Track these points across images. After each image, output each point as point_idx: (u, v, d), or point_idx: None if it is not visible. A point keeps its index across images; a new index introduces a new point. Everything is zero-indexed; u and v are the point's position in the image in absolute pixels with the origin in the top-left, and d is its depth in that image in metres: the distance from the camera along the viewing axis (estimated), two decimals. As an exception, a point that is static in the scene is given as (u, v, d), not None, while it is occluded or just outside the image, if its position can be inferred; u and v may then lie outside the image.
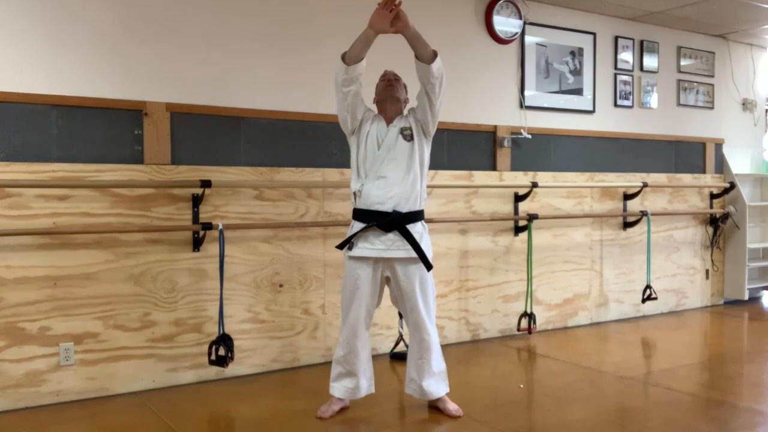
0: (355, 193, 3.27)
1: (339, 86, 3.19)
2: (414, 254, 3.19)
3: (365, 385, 3.34)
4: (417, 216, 3.25)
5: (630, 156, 5.72)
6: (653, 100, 5.89)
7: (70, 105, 3.47)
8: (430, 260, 3.25)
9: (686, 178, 6.08)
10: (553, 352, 4.55)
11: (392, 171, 3.20)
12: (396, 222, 3.17)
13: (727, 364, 4.37)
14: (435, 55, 3.18)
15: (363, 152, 3.25)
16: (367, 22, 4.58)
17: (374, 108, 3.44)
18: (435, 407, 3.34)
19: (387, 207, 3.18)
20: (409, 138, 3.25)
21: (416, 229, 3.23)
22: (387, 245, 3.19)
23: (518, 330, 4.96)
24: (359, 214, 3.24)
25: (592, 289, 5.46)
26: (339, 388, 3.31)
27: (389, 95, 3.32)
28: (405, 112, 3.39)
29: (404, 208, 3.20)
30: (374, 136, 3.26)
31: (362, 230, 3.20)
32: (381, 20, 3.11)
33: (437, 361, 3.31)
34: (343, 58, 3.15)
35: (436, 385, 3.31)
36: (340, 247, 3.28)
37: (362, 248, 3.21)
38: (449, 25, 4.75)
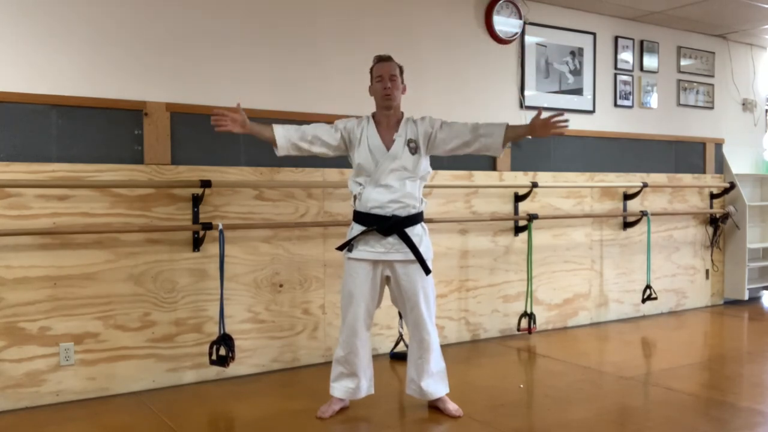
0: (355, 196, 3.28)
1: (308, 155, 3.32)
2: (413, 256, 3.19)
3: (365, 385, 3.34)
4: (416, 218, 3.24)
5: (630, 156, 5.72)
6: (653, 100, 5.89)
7: (70, 105, 3.47)
8: (431, 260, 3.27)
9: (686, 178, 6.08)
10: (553, 352, 4.55)
11: (395, 180, 3.19)
12: (396, 226, 3.17)
13: (727, 364, 4.37)
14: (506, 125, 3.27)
15: (359, 162, 3.24)
16: (366, 22, 4.60)
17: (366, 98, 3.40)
18: (435, 407, 3.34)
19: (387, 211, 3.18)
20: (414, 151, 3.24)
21: (416, 231, 3.22)
22: (387, 248, 3.19)
23: (518, 330, 4.96)
24: (359, 217, 3.24)
25: (592, 289, 5.46)
26: (339, 389, 3.30)
27: (387, 105, 3.26)
28: (406, 112, 3.36)
29: (403, 213, 3.19)
30: (366, 144, 3.22)
31: (362, 233, 3.20)
32: (232, 127, 3.17)
33: (436, 361, 3.30)
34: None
35: (435, 385, 3.30)
36: (340, 249, 3.28)
37: (362, 251, 3.21)
38: (449, 25, 4.75)
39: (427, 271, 3.21)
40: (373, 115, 3.33)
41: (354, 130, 3.26)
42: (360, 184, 3.26)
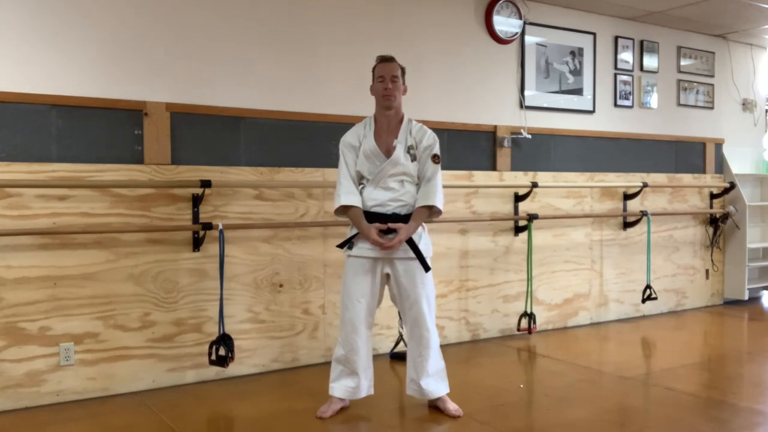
0: None
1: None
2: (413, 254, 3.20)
3: (366, 385, 3.33)
4: None
5: (630, 156, 5.72)
6: (653, 100, 5.89)
7: (70, 105, 3.47)
8: (430, 258, 3.28)
9: (686, 178, 6.08)
10: (553, 352, 4.55)
11: (395, 182, 3.23)
12: (396, 224, 3.19)
13: (727, 364, 4.37)
14: (436, 212, 3.28)
15: (358, 169, 3.26)
16: (366, 22, 4.60)
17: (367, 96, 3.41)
18: (435, 407, 3.34)
19: (387, 209, 3.21)
20: (414, 158, 3.26)
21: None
22: None
23: (518, 330, 4.96)
24: None
25: (592, 289, 5.46)
26: (339, 388, 3.30)
27: (387, 105, 3.27)
28: (407, 112, 3.36)
29: (403, 211, 3.23)
30: (362, 151, 3.24)
31: None
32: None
33: (435, 360, 3.30)
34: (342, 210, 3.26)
35: (436, 384, 3.30)
36: (341, 246, 3.29)
37: (362, 248, 3.23)
38: (449, 25, 4.75)
39: (427, 268, 3.21)
40: (374, 116, 3.34)
41: (359, 138, 3.29)
42: (360, 184, 3.28)
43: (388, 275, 3.28)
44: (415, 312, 3.25)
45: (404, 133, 3.27)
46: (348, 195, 3.22)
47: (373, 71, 3.32)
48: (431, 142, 3.29)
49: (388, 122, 3.29)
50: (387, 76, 3.24)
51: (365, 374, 3.32)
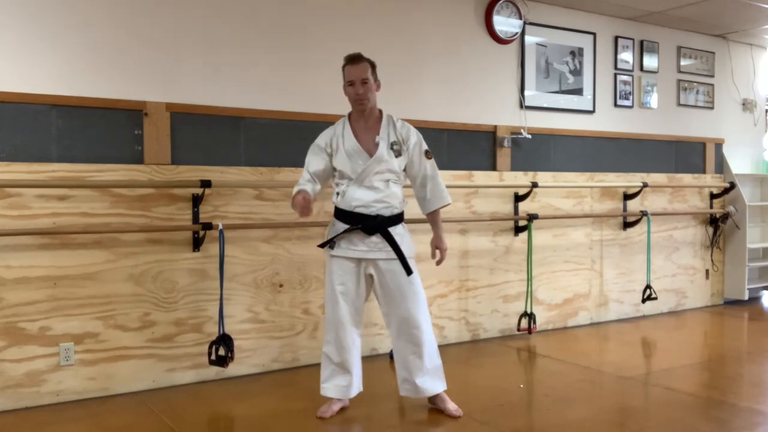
0: (337, 192, 3.27)
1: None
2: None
3: (356, 383, 3.33)
4: (399, 218, 3.26)
5: (630, 156, 5.72)
6: (653, 100, 5.89)
7: (70, 105, 3.47)
8: (413, 259, 3.26)
9: (686, 178, 6.08)
10: (553, 352, 4.55)
11: (380, 182, 3.20)
12: (380, 226, 3.18)
13: (727, 364, 4.37)
14: (446, 204, 3.36)
15: (340, 169, 3.24)
16: (366, 22, 4.59)
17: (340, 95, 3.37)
18: (435, 407, 3.34)
19: (371, 210, 3.18)
20: (399, 153, 3.24)
21: (397, 230, 3.23)
22: (370, 247, 3.20)
23: (518, 330, 4.96)
24: (342, 215, 3.24)
25: (592, 289, 5.46)
26: (331, 389, 3.29)
27: (361, 109, 3.23)
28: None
29: (387, 213, 3.21)
30: (342, 150, 3.21)
31: (345, 231, 3.20)
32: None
33: (431, 357, 3.27)
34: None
35: (432, 382, 3.28)
36: (322, 246, 3.28)
37: (345, 249, 3.21)
38: (449, 25, 4.75)
39: (409, 272, 3.20)
40: (350, 115, 3.31)
41: (332, 140, 3.26)
42: (343, 183, 3.25)
43: (371, 275, 3.26)
44: (403, 311, 3.23)
45: (385, 129, 3.25)
46: (301, 185, 3.20)
47: (343, 72, 3.25)
48: (417, 138, 3.29)
49: (365, 121, 3.26)
50: (357, 81, 3.18)
51: (356, 372, 3.31)
